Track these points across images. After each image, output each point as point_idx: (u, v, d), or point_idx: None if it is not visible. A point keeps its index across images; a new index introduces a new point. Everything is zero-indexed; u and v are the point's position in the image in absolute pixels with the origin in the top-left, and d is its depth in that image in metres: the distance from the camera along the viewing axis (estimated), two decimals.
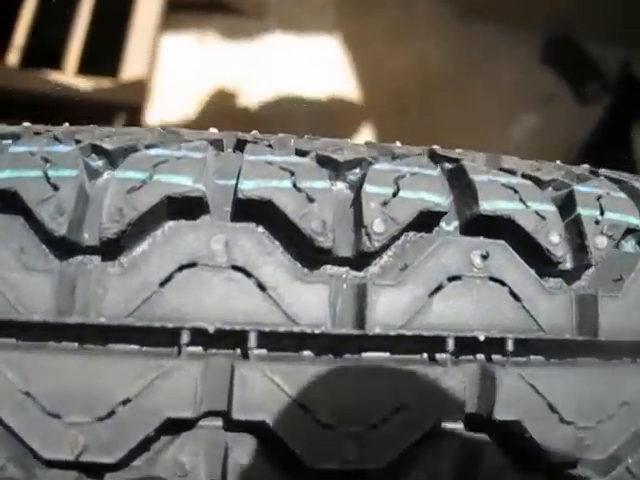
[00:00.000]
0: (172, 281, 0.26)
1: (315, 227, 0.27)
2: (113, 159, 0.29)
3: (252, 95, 1.77)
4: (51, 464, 0.26)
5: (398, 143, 0.35)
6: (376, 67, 1.91)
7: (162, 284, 0.26)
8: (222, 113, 1.69)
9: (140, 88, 1.53)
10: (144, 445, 0.26)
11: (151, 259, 0.26)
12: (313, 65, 1.86)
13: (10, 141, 0.31)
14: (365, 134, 1.83)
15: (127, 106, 1.52)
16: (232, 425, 0.27)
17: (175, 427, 0.26)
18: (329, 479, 0.27)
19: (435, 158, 0.32)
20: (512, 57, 2.00)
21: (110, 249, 0.27)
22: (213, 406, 0.26)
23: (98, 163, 0.29)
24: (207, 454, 0.27)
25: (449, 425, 0.28)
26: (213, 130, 0.34)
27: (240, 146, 0.32)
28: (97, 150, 0.29)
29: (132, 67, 1.54)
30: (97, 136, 0.30)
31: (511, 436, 0.28)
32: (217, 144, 0.31)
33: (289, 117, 1.74)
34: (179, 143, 0.30)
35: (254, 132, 0.33)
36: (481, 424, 0.28)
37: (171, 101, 1.64)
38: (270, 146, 0.31)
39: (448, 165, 0.32)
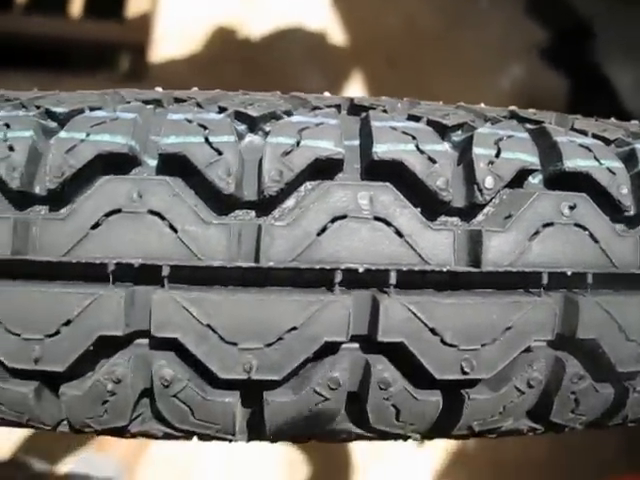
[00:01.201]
0: (327, 231, 0.31)
1: (440, 184, 0.32)
2: (256, 125, 0.34)
3: (252, 34, 1.77)
4: (225, 383, 0.32)
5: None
6: (366, 22, 1.92)
7: (319, 234, 0.31)
8: (222, 52, 1.69)
9: (144, 28, 1.52)
10: (304, 365, 0.32)
11: (309, 213, 0.31)
12: (311, 4, 1.87)
13: (152, 106, 0.35)
14: (356, 82, 1.85)
15: (132, 46, 1.52)
16: (374, 347, 0.33)
17: (329, 349, 0.32)
18: (449, 388, 0.34)
19: (519, 120, 0.37)
20: (498, 9, 2.03)
21: (268, 204, 0.32)
22: (360, 331, 0.32)
23: (242, 128, 0.34)
24: (352, 370, 0.33)
25: (538, 344, 0.35)
26: (326, 94, 0.38)
27: (354, 110, 0.36)
28: (242, 117, 0.34)
29: (135, 7, 1.52)
30: (238, 103, 0.35)
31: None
32: (337, 108, 0.36)
33: (287, 56, 1.75)
34: (311, 109, 0.35)
35: (361, 97, 0.38)
36: (564, 343, 0.35)
37: (172, 41, 1.63)
38: (385, 111, 0.36)
39: (530, 127, 0.37)
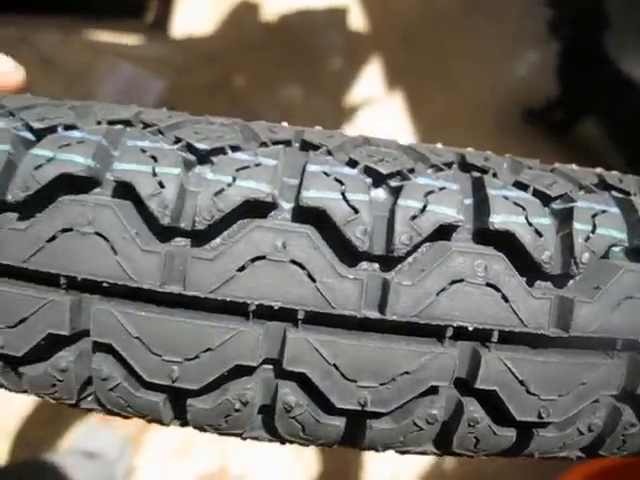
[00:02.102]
0: (445, 292, 0.35)
1: (545, 258, 0.36)
2: (383, 181, 0.37)
3: (275, 6, 1.74)
4: (340, 411, 0.37)
5: None
6: (385, 2, 1.90)
7: (438, 294, 0.35)
8: (247, 14, 1.67)
9: None
10: (408, 402, 0.37)
11: (431, 275, 0.35)
12: None
13: (286, 148, 0.38)
14: (375, 63, 1.85)
15: None
16: (469, 391, 0.37)
17: (432, 391, 0.37)
18: (524, 427, 0.39)
19: (608, 188, 0.41)
20: None
21: (394, 261, 0.36)
22: (460, 377, 0.37)
23: (369, 181, 0.37)
24: (447, 408, 0.38)
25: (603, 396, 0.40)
26: (439, 145, 0.42)
27: (466, 168, 0.40)
28: (371, 171, 0.37)
29: None
30: (366, 157, 0.38)
31: None
32: (449, 166, 0.40)
33: (312, 28, 1.73)
34: (430, 166, 0.38)
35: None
36: (626, 397, 0.40)
37: (196, 12, 1.60)
38: (495, 175, 0.39)
39: (619, 197, 0.41)
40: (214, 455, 1.55)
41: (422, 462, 1.49)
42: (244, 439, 0.41)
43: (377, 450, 0.41)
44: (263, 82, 1.82)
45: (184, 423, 0.40)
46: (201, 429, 0.40)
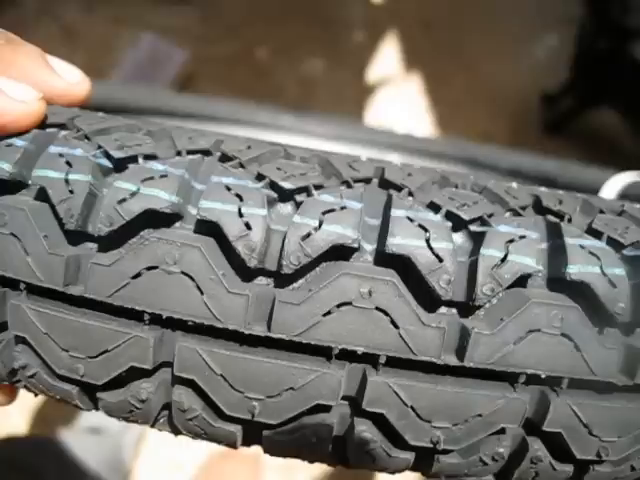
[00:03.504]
0: (522, 341, 0.36)
1: (617, 310, 0.37)
2: (463, 226, 0.38)
3: None
4: (412, 448, 0.38)
5: None
6: None
7: (515, 343, 0.36)
8: None
9: None
10: (479, 441, 0.38)
11: (510, 325, 0.36)
12: None
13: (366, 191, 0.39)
14: (394, 43, 1.82)
15: None
16: (536, 432, 0.39)
17: (501, 432, 0.38)
18: (582, 464, 0.41)
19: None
20: None
21: (472, 308, 0.37)
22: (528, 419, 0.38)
23: (449, 225, 0.38)
24: (513, 446, 0.39)
25: None
26: (514, 185, 0.42)
27: (540, 211, 0.40)
28: (453, 217, 0.38)
29: None
30: (448, 200, 0.38)
31: None
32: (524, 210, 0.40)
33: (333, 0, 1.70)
34: (508, 210, 0.39)
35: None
36: None
37: None
38: (570, 220, 0.40)
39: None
40: None
41: None
42: (312, 463, 0.43)
43: (439, 478, 0.43)
44: (285, 54, 1.79)
45: (254, 445, 0.42)
46: (272, 455, 0.42)
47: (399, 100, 1.81)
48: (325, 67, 1.89)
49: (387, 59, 1.91)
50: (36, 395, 0.44)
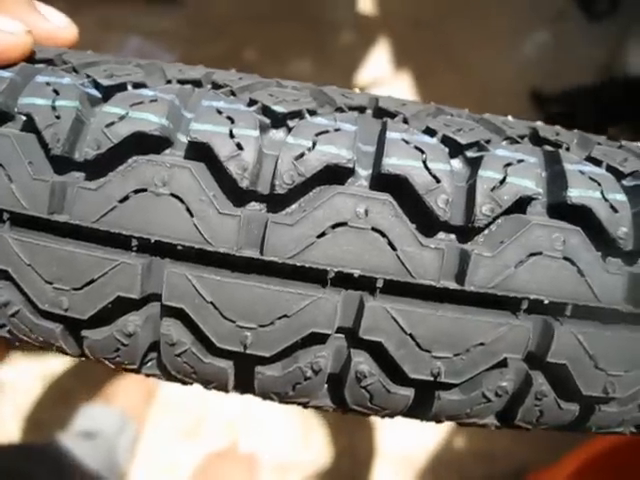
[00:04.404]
0: (524, 264, 0.35)
1: (620, 234, 0.36)
2: (461, 151, 0.37)
3: None
4: (411, 381, 0.37)
5: None
6: None
7: (516, 266, 0.35)
8: None
9: None
10: (480, 374, 0.37)
11: (510, 247, 0.35)
12: None
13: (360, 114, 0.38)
14: (383, 43, 1.83)
15: None
16: (538, 364, 0.37)
17: (504, 364, 0.37)
18: (588, 401, 0.39)
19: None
20: None
21: (473, 232, 0.36)
22: (531, 350, 0.37)
23: (447, 151, 0.37)
24: (516, 381, 0.38)
25: None
26: (510, 118, 0.41)
27: (538, 142, 0.39)
28: (450, 141, 0.37)
29: None
30: (443, 125, 0.37)
31: None
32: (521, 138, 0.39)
33: (321, 1, 1.71)
34: (505, 138, 0.38)
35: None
36: None
37: None
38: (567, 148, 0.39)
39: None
40: (224, 432, 1.55)
41: (432, 442, 1.51)
42: (306, 407, 0.41)
43: (439, 421, 0.41)
44: (273, 55, 1.79)
45: (246, 391, 0.40)
46: (264, 397, 0.40)
47: None
48: (313, 68, 1.89)
49: (376, 59, 1.92)
50: (18, 344, 0.42)
